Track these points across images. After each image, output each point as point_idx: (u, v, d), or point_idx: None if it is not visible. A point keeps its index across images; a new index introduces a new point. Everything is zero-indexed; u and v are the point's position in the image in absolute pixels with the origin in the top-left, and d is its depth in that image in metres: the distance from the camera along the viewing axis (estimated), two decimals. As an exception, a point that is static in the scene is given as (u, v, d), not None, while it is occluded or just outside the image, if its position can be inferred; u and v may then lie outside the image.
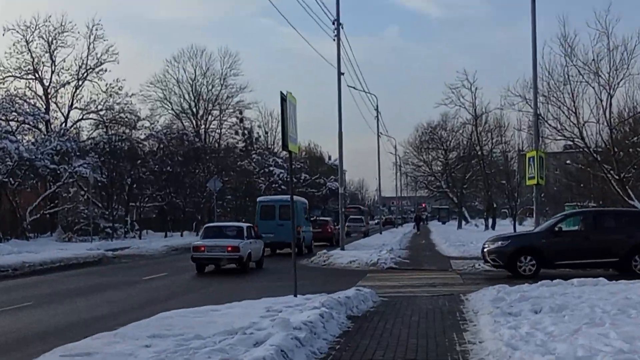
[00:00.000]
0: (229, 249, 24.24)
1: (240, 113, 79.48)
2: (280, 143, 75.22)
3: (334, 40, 33.57)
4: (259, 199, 38.35)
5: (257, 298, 13.92)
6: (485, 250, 22.17)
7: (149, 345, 9.05)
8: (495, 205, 66.41)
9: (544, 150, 32.48)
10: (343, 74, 34.04)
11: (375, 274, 23.17)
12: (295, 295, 13.83)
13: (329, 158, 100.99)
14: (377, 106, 64.27)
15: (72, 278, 23.72)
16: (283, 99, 13.53)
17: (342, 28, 33.93)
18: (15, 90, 52.01)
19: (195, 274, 24.37)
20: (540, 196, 29.26)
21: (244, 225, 27.05)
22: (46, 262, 28.16)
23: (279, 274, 23.37)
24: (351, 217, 66.07)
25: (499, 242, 21.98)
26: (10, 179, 43.81)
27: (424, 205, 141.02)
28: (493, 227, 59.75)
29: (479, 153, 63.16)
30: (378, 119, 65.08)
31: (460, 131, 68.80)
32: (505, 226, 58.30)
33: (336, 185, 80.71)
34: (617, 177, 34.83)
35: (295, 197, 38.41)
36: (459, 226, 72.24)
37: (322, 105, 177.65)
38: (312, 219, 42.61)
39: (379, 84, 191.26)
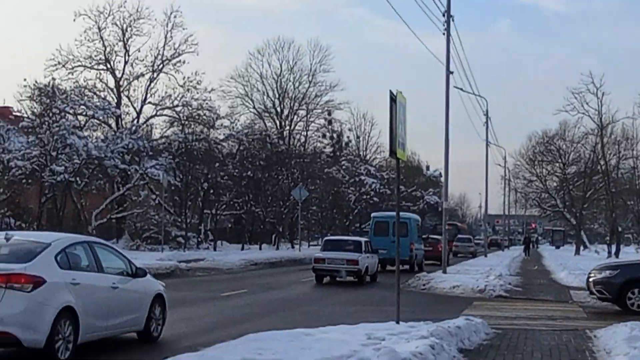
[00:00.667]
0: (349, 262, 28.47)
1: (329, 114, 79.77)
2: (373, 149, 75.22)
3: (444, 34, 33.47)
4: (372, 214, 42.41)
5: (350, 322, 14.04)
6: (590, 280, 21.57)
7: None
8: (620, 230, 64.79)
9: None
10: (452, 72, 34.01)
11: (483, 302, 23.00)
12: (398, 322, 13.79)
13: (427, 168, 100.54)
14: (486, 111, 63.70)
15: (144, 291, 24.15)
16: (392, 99, 13.58)
17: (453, 21, 33.89)
18: (85, 81, 53.51)
19: (278, 293, 24.83)
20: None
21: (362, 239, 31.73)
22: (114, 272, 28.61)
23: (371, 295, 24.01)
24: (459, 236, 69.14)
25: (607, 272, 21.32)
26: (77, 178, 44.69)
27: (533, 225, 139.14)
28: (617, 254, 58.28)
29: (603, 168, 61.77)
30: (487, 126, 64.50)
31: (582, 142, 67.80)
32: (630, 254, 56.81)
33: (435, 199, 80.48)
34: None
35: (409, 214, 40.98)
36: (577, 252, 70.77)
37: (420, 108, 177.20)
38: (424, 237, 45.22)
39: (487, 86, 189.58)
